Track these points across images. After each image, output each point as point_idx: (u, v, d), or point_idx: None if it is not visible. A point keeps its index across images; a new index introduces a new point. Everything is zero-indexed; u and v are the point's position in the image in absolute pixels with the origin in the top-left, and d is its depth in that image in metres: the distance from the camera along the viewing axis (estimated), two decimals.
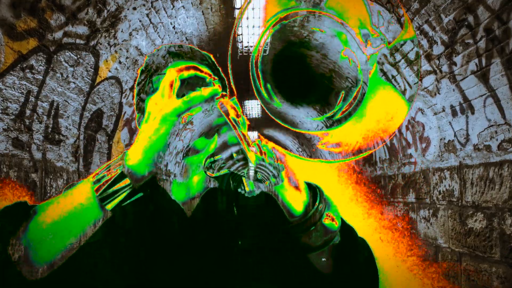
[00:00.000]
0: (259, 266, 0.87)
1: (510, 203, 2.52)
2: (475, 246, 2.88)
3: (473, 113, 2.85)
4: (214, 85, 0.68)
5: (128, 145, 4.31)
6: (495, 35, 2.39)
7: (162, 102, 0.64)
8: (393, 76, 3.62)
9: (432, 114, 3.39)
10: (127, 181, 0.63)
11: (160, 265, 0.79)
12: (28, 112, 2.50)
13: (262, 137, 0.80)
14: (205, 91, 0.66)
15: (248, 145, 0.74)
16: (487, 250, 2.73)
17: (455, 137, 3.15)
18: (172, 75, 0.66)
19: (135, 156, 0.64)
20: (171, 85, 0.65)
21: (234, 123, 0.73)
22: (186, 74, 0.67)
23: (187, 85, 0.70)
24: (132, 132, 4.34)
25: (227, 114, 0.73)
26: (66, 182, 3.04)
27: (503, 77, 2.44)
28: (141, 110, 0.85)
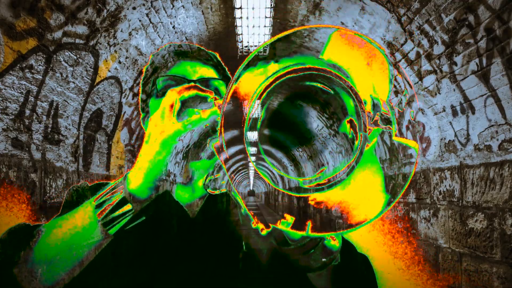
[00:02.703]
0: (262, 270, 0.87)
1: (511, 203, 2.52)
2: (476, 246, 2.88)
3: (473, 113, 2.84)
4: (215, 105, 0.68)
5: (128, 145, 4.30)
6: (496, 34, 2.39)
7: (163, 124, 0.64)
8: (384, 160, 3.69)
9: (433, 114, 3.38)
10: (129, 206, 0.63)
11: (161, 269, 0.79)
12: (27, 112, 2.49)
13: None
14: (204, 114, 0.66)
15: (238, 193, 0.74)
16: (488, 250, 2.73)
17: (455, 137, 3.14)
18: (173, 96, 0.65)
19: (136, 180, 0.64)
20: (172, 107, 0.65)
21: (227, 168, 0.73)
22: (187, 95, 0.66)
23: (188, 105, 0.69)
24: (132, 132, 4.33)
25: (220, 155, 0.73)
26: (66, 182, 3.03)
27: (503, 77, 2.44)
28: (147, 112, 0.85)
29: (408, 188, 4.06)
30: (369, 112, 0.68)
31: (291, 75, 0.69)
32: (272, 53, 4.43)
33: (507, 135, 2.53)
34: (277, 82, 0.69)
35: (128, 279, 0.76)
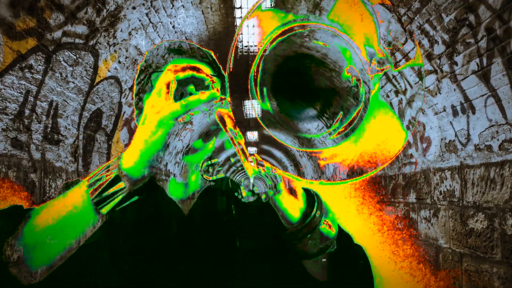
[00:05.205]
0: (258, 267, 0.87)
1: (511, 203, 2.51)
2: (476, 247, 2.87)
3: (474, 113, 2.84)
4: (212, 88, 0.67)
5: (128, 145, 4.30)
6: (496, 34, 2.38)
7: (159, 104, 0.63)
8: (392, 99, 3.64)
9: (433, 114, 3.37)
10: (122, 184, 0.62)
11: (160, 267, 0.79)
12: (27, 112, 2.49)
13: (257, 155, 0.79)
14: (203, 95, 0.64)
15: (246, 157, 0.72)
16: (488, 250, 2.72)
17: (456, 137, 3.14)
18: (168, 76, 0.64)
19: (131, 158, 0.63)
20: (168, 87, 0.63)
21: (231, 134, 0.71)
22: (182, 75, 0.65)
23: (185, 85, 0.68)
24: (132, 132, 4.33)
25: (225, 125, 0.71)
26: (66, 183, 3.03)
27: (504, 76, 2.43)
28: (140, 109, 0.84)
29: (408, 188, 4.05)
30: (367, 61, 0.69)
31: (301, 30, 0.72)
32: (292, 5, 4.45)
33: (508, 135, 2.52)
34: (289, 33, 0.71)
35: (125, 258, 0.76)
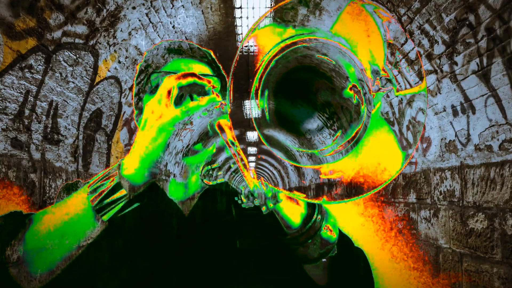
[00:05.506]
0: (258, 268, 0.87)
1: (511, 203, 2.51)
2: (476, 247, 2.87)
3: (474, 113, 2.83)
4: (212, 93, 0.67)
5: (128, 145, 4.29)
6: (496, 34, 2.38)
7: (160, 110, 0.63)
8: (393, 120, 3.66)
9: (433, 114, 3.37)
10: (123, 191, 0.62)
11: (160, 268, 0.79)
12: (27, 112, 2.48)
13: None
14: (203, 101, 0.64)
15: (246, 168, 0.72)
16: (488, 250, 2.72)
17: (456, 137, 3.13)
18: (170, 83, 0.64)
19: (131, 165, 0.63)
20: (169, 93, 0.63)
21: (231, 145, 0.71)
22: (184, 82, 0.65)
23: (185, 91, 0.68)
24: (132, 132, 4.33)
25: (225, 136, 0.72)
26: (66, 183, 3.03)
27: (504, 76, 2.43)
28: (140, 109, 0.84)
29: (409, 188, 4.05)
30: (370, 78, 0.69)
31: (303, 44, 0.70)
32: (291, 19, 4.50)
33: (508, 135, 2.52)
34: (290, 48, 0.70)
35: (125, 261, 0.76)
